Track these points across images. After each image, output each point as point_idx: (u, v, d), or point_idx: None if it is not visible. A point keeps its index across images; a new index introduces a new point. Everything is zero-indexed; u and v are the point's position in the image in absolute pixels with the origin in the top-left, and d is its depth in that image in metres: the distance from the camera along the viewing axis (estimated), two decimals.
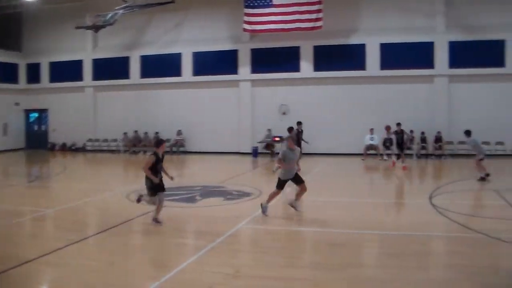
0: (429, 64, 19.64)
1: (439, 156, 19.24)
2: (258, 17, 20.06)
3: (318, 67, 20.36)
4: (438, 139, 19.37)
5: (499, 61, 19.22)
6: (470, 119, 18.52)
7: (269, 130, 20.61)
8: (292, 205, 8.98)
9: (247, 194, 11.08)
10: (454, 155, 19.10)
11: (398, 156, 16.36)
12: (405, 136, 16.44)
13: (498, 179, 13.22)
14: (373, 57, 20.00)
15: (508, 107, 18.98)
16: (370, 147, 19.70)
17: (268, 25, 20.03)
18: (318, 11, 19.60)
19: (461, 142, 18.47)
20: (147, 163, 7.61)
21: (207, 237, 7.19)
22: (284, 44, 20.40)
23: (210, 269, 5.88)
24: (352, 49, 20.17)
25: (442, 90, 19.67)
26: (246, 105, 21.07)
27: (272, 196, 8.86)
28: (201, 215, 9.11)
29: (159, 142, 7.96)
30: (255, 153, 20.49)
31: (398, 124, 16.34)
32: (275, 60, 20.57)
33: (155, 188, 7.71)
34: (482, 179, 12.79)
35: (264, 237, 7.68)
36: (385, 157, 18.79)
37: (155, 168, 7.61)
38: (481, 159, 13.00)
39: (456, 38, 19.38)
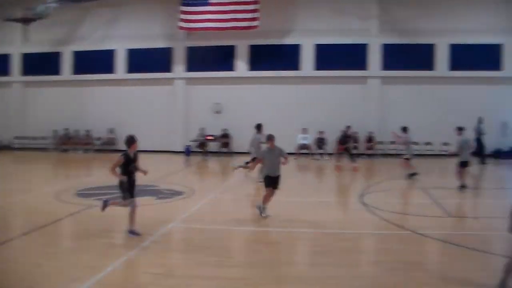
0: (363, 65, 20.22)
1: (371, 155, 19.63)
2: (194, 15, 20.24)
3: (253, 66, 20.57)
4: (370, 139, 19.79)
5: (429, 65, 20.02)
6: (401, 120, 18.93)
7: (202, 129, 20.55)
8: (260, 210, 8.59)
9: (179, 193, 11.06)
10: (385, 155, 19.52)
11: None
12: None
13: (426, 178, 13.60)
14: (308, 57, 20.42)
15: (436, 109, 19.62)
16: (302, 146, 19.90)
17: (204, 23, 20.22)
18: (255, 10, 19.97)
19: (392, 142, 18.97)
20: (114, 163, 6.99)
21: (137, 237, 7.05)
22: (220, 43, 20.56)
23: (141, 269, 5.86)
24: (288, 49, 20.54)
25: (374, 91, 20.21)
26: (180, 104, 20.98)
27: (266, 197, 8.49)
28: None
29: (130, 141, 7.18)
30: (188, 151, 20.34)
31: (348, 127, 16.85)
32: (210, 58, 20.67)
33: (130, 190, 7.07)
34: (411, 175, 13.01)
35: (197, 236, 7.59)
36: (317, 157, 19.02)
37: (127, 169, 7.03)
38: (407, 159, 13.28)
39: (389, 41, 20.07)
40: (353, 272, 5.95)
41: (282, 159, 8.50)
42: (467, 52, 19.73)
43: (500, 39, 19.69)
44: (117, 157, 7.06)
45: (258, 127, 12.77)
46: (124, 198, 7.10)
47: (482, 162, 17.26)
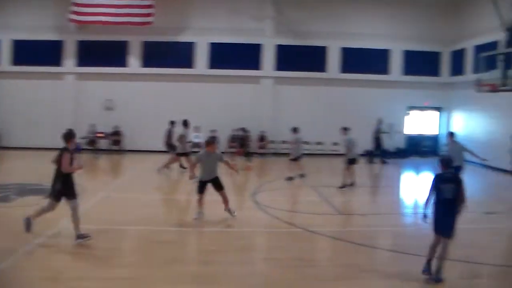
0: (256, 65, 20.77)
1: (263, 154, 20.21)
2: (87, 8, 19.90)
3: (147, 63, 20.54)
4: (262, 138, 20.36)
5: (321, 66, 20.92)
6: (293, 120, 19.62)
7: (92, 125, 20.31)
8: (229, 212, 8.70)
9: None
10: (277, 154, 20.14)
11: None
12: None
13: (316, 177, 14.22)
14: (202, 56, 20.67)
15: (328, 109, 20.43)
16: (195, 145, 20.11)
17: (97, 16, 19.96)
18: (149, 6, 19.96)
19: (284, 142, 19.68)
20: (66, 162, 6.57)
21: (22, 239, 6.83)
22: (113, 38, 20.35)
23: (26, 273, 5.65)
24: (182, 47, 20.65)
25: (267, 91, 20.79)
26: (70, 99, 20.56)
27: (199, 202, 8.50)
28: (16, 216, 8.31)
29: (68, 135, 6.93)
30: (77, 149, 19.94)
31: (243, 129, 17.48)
32: (103, 53, 20.37)
33: (67, 193, 6.77)
34: (290, 178, 13.32)
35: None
36: None
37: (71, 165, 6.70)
38: (294, 159, 13.59)
39: (283, 42, 20.76)
40: (247, 269, 6.15)
41: (222, 164, 8.54)
42: (357, 55, 20.81)
43: (388, 45, 20.96)
44: (63, 155, 6.72)
45: (185, 123, 13.32)
46: (53, 200, 6.85)
47: (382, 162, 18.30)
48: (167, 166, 14.23)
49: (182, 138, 13.79)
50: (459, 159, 10.78)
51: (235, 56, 20.36)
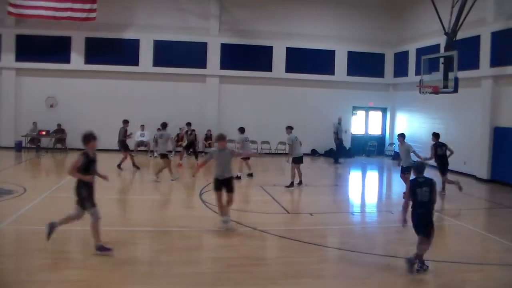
0: (202, 64, 21.16)
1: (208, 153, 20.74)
2: (26, 1, 19.77)
3: (89, 59, 20.62)
4: (208, 137, 20.89)
5: (267, 66, 21.47)
6: (239, 119, 20.28)
7: (34, 123, 20.34)
8: (225, 223, 8.23)
9: (8, 192, 10.69)
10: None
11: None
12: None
13: (264, 176, 14.67)
14: (146, 53, 20.85)
15: (273, 109, 21.02)
16: (140, 143, 20.53)
17: (37, 10, 19.71)
18: (92, 1, 19.89)
19: (229, 140, 20.17)
20: (74, 164, 6.19)
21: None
22: (54, 32, 20.22)
23: None
24: (127, 44, 20.69)
25: (213, 90, 21.25)
26: (9, 95, 20.43)
27: (219, 206, 8.23)
28: None
29: (88, 137, 6.35)
30: (18, 147, 20.05)
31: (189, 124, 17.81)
32: (44, 49, 20.25)
33: (91, 197, 6.36)
34: (238, 177, 13.60)
35: (28, 238, 7.30)
36: (155, 154, 19.72)
37: (87, 172, 6.30)
38: (244, 158, 13.99)
39: (229, 41, 21.17)
40: (195, 269, 6.26)
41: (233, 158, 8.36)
42: (303, 55, 21.47)
43: (333, 45, 21.71)
44: (76, 157, 6.36)
45: (164, 125, 13.99)
46: (84, 207, 6.37)
47: (336, 162, 19.02)
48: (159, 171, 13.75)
49: (164, 139, 14.09)
50: (406, 159, 11.59)
51: (180, 54, 20.60)
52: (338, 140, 19.43)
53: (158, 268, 6.23)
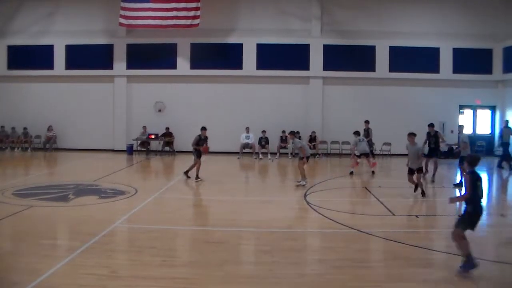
0: (305, 66, 23.48)
1: (314, 155, 23.32)
2: (135, 12, 23.06)
3: (195, 64, 23.45)
4: (312, 138, 23.41)
5: (369, 66, 23.59)
6: (342, 120, 22.86)
7: (144, 127, 23.85)
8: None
9: (122, 193, 12.12)
10: (327, 154, 22.84)
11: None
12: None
13: (369, 177, 15.84)
14: (250, 57, 23.48)
15: (377, 109, 22.53)
16: (245, 145, 23.49)
17: (145, 20, 23.09)
18: (196, 8, 22.89)
19: (334, 142, 22.90)
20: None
21: (80, 238, 7.71)
22: (161, 40, 23.21)
23: (84, 270, 6.33)
24: (230, 48, 23.27)
25: (316, 91, 23.54)
26: (121, 101, 23.90)
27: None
28: (74, 215, 9.63)
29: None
30: (130, 150, 23.57)
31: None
32: (151, 56, 23.42)
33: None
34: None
35: (140, 236, 8.25)
36: (260, 156, 22.64)
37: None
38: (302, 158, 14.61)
39: (330, 42, 23.45)
40: (299, 270, 6.74)
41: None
42: (406, 54, 23.10)
43: (437, 43, 23.54)
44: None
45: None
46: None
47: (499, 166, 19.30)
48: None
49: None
50: (415, 161, 12.46)
51: (283, 57, 22.77)
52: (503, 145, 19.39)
53: (261, 268, 6.76)
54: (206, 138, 15.25)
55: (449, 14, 22.89)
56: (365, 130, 19.62)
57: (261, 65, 22.77)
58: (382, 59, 22.83)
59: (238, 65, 22.84)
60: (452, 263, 6.91)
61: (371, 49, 22.88)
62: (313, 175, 18.30)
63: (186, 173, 15.01)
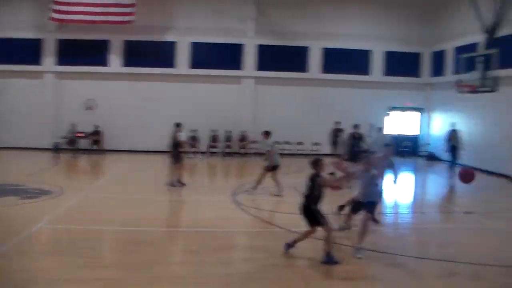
0: (238, 65, 25.45)
1: (243, 154, 25.33)
2: (67, 6, 24.15)
3: (128, 62, 24.98)
4: (243, 138, 25.37)
5: (303, 67, 25.86)
6: (274, 120, 24.84)
7: (73, 125, 25.14)
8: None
9: (46, 192, 12.26)
10: (257, 154, 23.88)
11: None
12: None
13: (297, 177, 15.49)
14: (184, 55, 24.78)
15: (309, 110, 24.44)
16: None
17: (77, 15, 24.40)
18: (130, 5, 24.30)
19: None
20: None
21: None
22: (93, 36, 24.43)
23: (5, 275, 6.39)
24: (164, 46, 24.37)
25: (248, 91, 25.32)
26: (49, 98, 24.50)
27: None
28: None
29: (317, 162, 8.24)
30: (56, 149, 24.70)
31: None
32: (83, 52, 24.55)
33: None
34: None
35: (65, 238, 8.46)
36: (190, 155, 24.32)
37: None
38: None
39: (265, 42, 25.32)
40: (227, 270, 7.12)
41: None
42: (339, 56, 25.08)
43: (369, 45, 25.89)
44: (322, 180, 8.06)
45: (267, 133, 14.38)
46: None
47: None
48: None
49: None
50: None
51: (216, 56, 24.41)
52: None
53: (189, 268, 7.15)
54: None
55: (382, 18, 25.11)
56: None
57: (195, 63, 24.20)
58: (315, 60, 24.81)
59: (172, 63, 24.24)
60: (380, 261, 7.90)
61: (305, 50, 24.83)
62: (242, 174, 19.70)
63: (180, 182, 14.58)
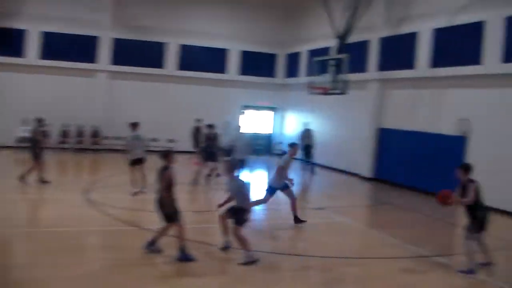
0: (92, 58, 25.13)
1: (96, 150, 25.42)
2: None
3: None
4: (95, 133, 25.50)
5: (159, 63, 26.24)
6: (129, 116, 24.84)
7: None
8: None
9: None
10: (111, 150, 24.02)
11: None
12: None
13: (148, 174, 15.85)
14: (33, 45, 23.74)
15: (164, 106, 24.97)
16: (23, 139, 24.45)
17: None
18: None
19: (118, 138, 25.04)
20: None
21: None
22: None
23: None
24: (12, 34, 23.35)
25: (102, 86, 24.92)
26: None
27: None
28: None
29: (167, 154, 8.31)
30: None
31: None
32: None
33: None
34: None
35: None
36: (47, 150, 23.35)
37: None
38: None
39: (121, 36, 25.17)
40: (77, 271, 6.98)
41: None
42: (196, 53, 25.54)
43: (226, 44, 27.00)
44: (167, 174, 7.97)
45: (134, 125, 13.75)
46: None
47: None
48: None
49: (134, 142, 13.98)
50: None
51: (70, 48, 23.78)
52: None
53: (38, 271, 6.89)
54: None
55: (240, 18, 26.08)
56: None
57: (46, 54, 23.49)
58: (171, 56, 25.25)
59: (20, 53, 23.31)
60: (227, 257, 8.23)
61: (162, 46, 25.17)
62: (95, 171, 19.68)
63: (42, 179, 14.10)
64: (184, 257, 7.74)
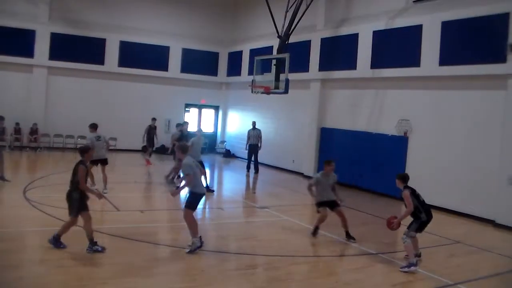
0: (29, 53, 25.02)
1: (34, 148, 25.12)
2: None
3: None
4: (34, 131, 25.09)
5: (99, 59, 25.97)
6: (68, 113, 25.11)
7: None
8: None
9: None
10: (50, 148, 24.00)
11: None
12: None
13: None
14: None
15: (105, 104, 25.09)
16: None
17: None
18: None
19: (57, 135, 25.11)
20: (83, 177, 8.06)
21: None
22: None
23: None
24: None
25: (40, 81, 24.92)
26: None
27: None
28: None
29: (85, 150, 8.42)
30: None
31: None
32: None
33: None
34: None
35: None
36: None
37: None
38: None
39: (60, 30, 24.98)
40: (17, 273, 6.93)
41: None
42: (137, 50, 25.96)
43: (168, 42, 27.86)
44: (80, 169, 8.08)
45: (93, 126, 14.24)
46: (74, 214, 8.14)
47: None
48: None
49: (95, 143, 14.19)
50: None
51: (5, 41, 23.27)
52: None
53: None
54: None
55: (182, 16, 26.75)
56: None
57: None
58: (112, 53, 25.38)
59: None
60: (178, 256, 8.45)
61: (102, 42, 25.31)
62: (33, 170, 19.46)
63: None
64: (93, 248, 8.20)
